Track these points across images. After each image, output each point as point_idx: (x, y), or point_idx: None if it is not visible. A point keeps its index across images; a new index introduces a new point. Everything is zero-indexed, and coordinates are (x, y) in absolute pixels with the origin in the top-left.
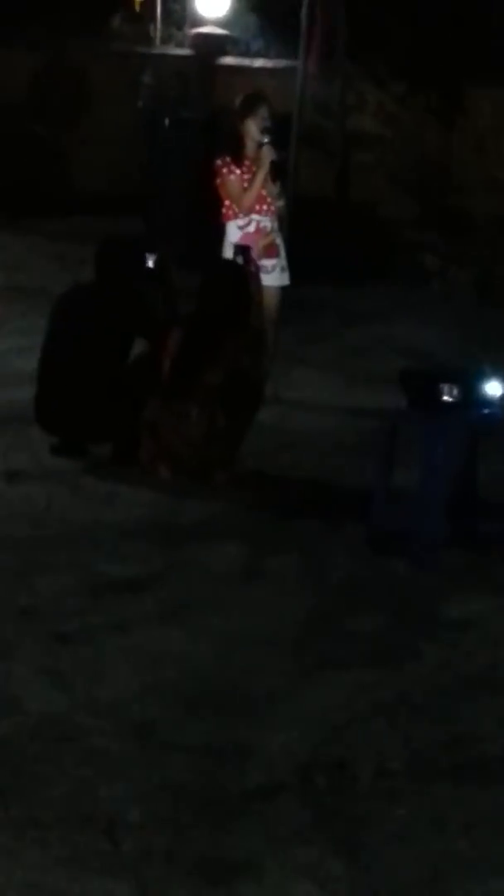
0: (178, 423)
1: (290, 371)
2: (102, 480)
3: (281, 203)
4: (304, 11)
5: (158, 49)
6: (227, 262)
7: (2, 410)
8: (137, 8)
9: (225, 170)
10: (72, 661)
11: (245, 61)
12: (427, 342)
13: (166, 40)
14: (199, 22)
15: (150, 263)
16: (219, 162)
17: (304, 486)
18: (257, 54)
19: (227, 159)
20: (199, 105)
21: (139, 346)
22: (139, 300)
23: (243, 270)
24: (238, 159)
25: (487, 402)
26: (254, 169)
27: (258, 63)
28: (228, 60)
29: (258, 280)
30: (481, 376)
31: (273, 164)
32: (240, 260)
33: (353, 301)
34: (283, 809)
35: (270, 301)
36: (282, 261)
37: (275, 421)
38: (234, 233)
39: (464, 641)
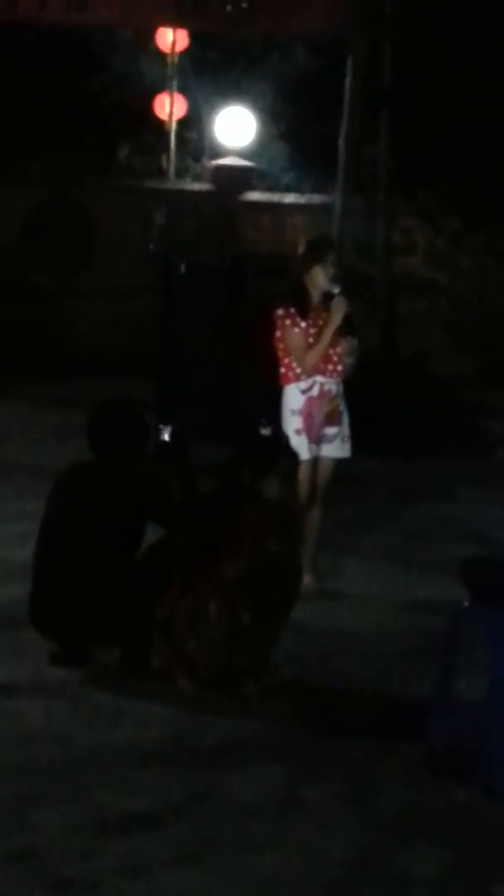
0: (194, 623)
1: (332, 559)
2: (109, 693)
3: (350, 360)
4: (341, 139)
5: (172, 184)
6: (253, 432)
7: None
8: (171, 138)
9: (288, 321)
10: None
11: (273, 197)
12: (492, 523)
13: (181, 174)
14: (220, 153)
15: (166, 437)
16: (280, 311)
17: (349, 699)
18: (287, 189)
19: (291, 310)
20: (220, 248)
21: (151, 535)
22: (150, 480)
23: (269, 441)
24: (303, 311)
25: None
26: (320, 323)
27: (289, 199)
28: (254, 196)
29: (291, 452)
30: None
31: (346, 318)
32: (266, 431)
33: (405, 475)
34: None
35: (324, 474)
36: (344, 429)
37: (314, 620)
38: (296, 398)
39: None
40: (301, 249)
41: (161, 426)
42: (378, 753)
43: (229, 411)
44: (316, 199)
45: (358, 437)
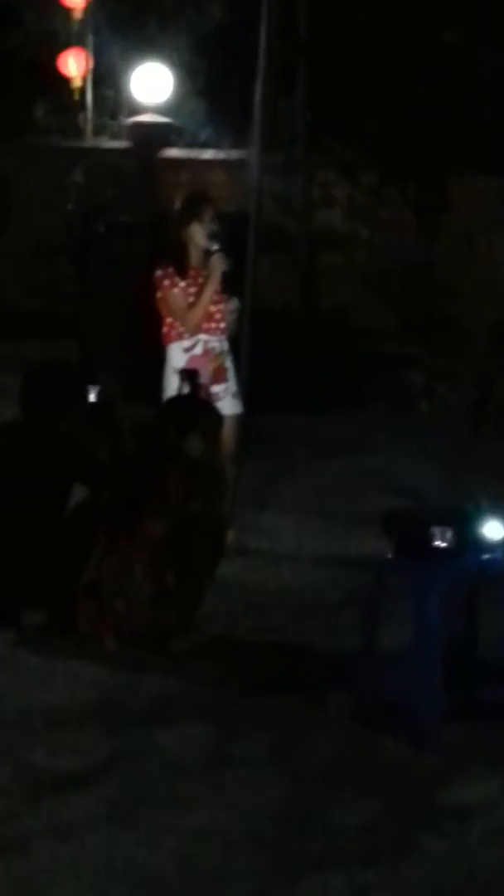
0: (120, 583)
1: (254, 516)
2: (37, 655)
3: (233, 317)
4: (257, 95)
5: (90, 142)
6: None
7: None
8: (76, 95)
9: (167, 282)
10: (3, 874)
11: (192, 153)
12: (414, 476)
13: (99, 132)
14: (137, 110)
15: (92, 397)
16: (159, 273)
17: (276, 654)
18: (205, 145)
19: (170, 270)
20: (139, 206)
21: (77, 495)
22: (76, 441)
23: (191, 400)
24: (182, 270)
25: (487, 546)
26: (200, 281)
27: (207, 155)
28: (172, 153)
29: (214, 410)
30: (479, 517)
31: (224, 275)
32: (185, 388)
33: (326, 430)
34: None
35: (225, 433)
36: (232, 385)
37: (238, 576)
38: (179, 356)
39: (469, 833)
40: (177, 206)
41: (88, 387)
42: (306, 707)
43: (155, 371)
44: (234, 154)
45: (279, 393)
